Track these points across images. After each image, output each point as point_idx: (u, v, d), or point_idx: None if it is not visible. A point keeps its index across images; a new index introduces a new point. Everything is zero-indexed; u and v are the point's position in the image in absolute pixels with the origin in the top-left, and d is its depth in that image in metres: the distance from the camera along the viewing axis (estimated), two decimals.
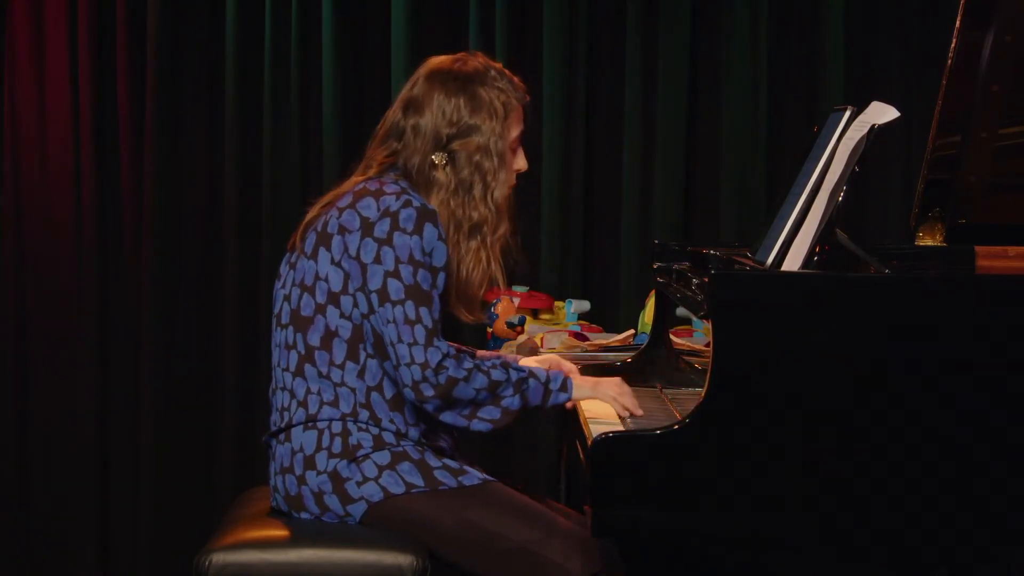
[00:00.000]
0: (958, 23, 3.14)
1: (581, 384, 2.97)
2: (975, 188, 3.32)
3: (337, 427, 2.85)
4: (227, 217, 4.62)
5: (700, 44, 4.55)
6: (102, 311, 4.68)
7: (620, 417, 2.95)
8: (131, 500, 4.69)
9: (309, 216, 2.94)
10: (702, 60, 4.55)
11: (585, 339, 3.86)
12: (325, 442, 2.85)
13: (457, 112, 2.91)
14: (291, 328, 2.90)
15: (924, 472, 2.58)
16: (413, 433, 2.88)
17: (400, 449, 2.86)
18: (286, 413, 2.90)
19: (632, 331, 3.90)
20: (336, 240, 2.86)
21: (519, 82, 2.99)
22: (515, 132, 2.97)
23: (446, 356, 2.81)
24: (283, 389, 2.91)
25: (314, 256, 2.88)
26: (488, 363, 2.87)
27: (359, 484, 2.84)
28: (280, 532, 2.83)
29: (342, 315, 2.85)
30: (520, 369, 2.90)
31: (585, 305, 4.18)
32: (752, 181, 4.50)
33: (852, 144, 2.80)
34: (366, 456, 2.84)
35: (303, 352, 2.88)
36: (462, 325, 3.13)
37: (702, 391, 2.61)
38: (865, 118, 2.82)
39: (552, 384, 2.91)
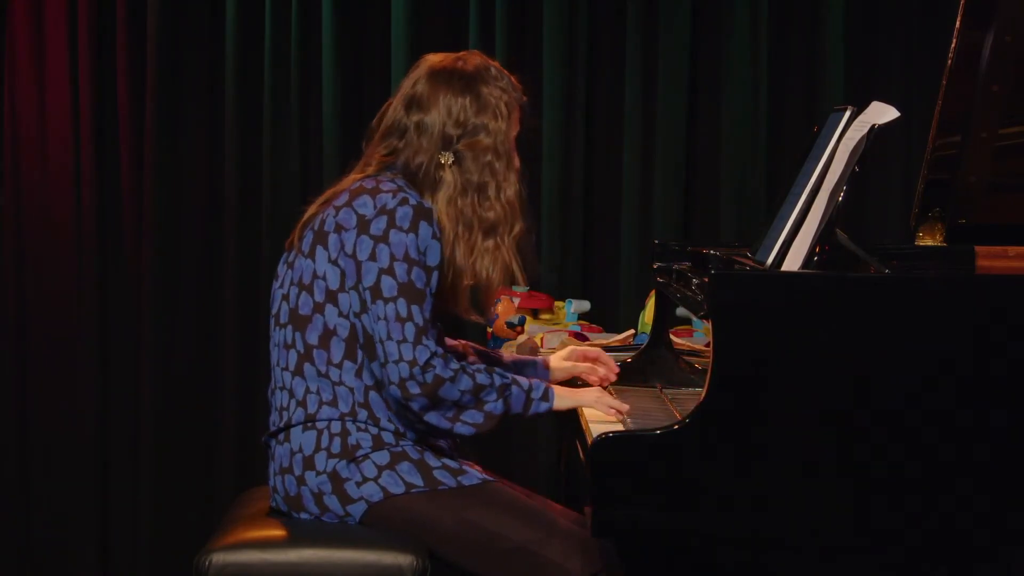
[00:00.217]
0: (958, 23, 3.14)
1: (562, 394, 2.97)
2: (975, 188, 3.32)
3: (336, 427, 2.85)
4: (227, 217, 4.62)
5: (700, 44, 4.55)
6: (102, 311, 4.68)
7: (619, 417, 2.96)
8: (131, 500, 4.69)
9: (307, 215, 2.94)
10: (702, 60, 4.55)
11: (585, 339, 3.86)
12: (324, 442, 2.85)
13: (464, 112, 2.91)
14: (290, 327, 2.90)
15: (924, 472, 2.58)
16: (411, 432, 2.88)
17: (399, 449, 2.86)
18: (285, 413, 2.90)
19: (632, 331, 3.90)
20: (333, 238, 2.86)
21: (517, 81, 3.00)
22: (514, 132, 2.97)
23: (434, 355, 2.81)
24: (282, 389, 2.91)
25: (311, 255, 2.88)
26: (474, 367, 2.87)
27: (358, 484, 2.84)
28: (280, 532, 2.83)
29: (340, 313, 2.85)
30: (504, 375, 2.90)
31: (585, 305, 4.18)
32: (752, 181, 4.50)
33: (852, 144, 2.80)
34: (365, 456, 2.84)
35: (302, 351, 2.88)
36: (463, 322, 3.14)
37: (702, 391, 2.61)
38: (865, 118, 2.82)
39: (534, 393, 2.91)
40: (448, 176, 2.91)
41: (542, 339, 3.81)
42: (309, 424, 2.87)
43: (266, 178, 4.61)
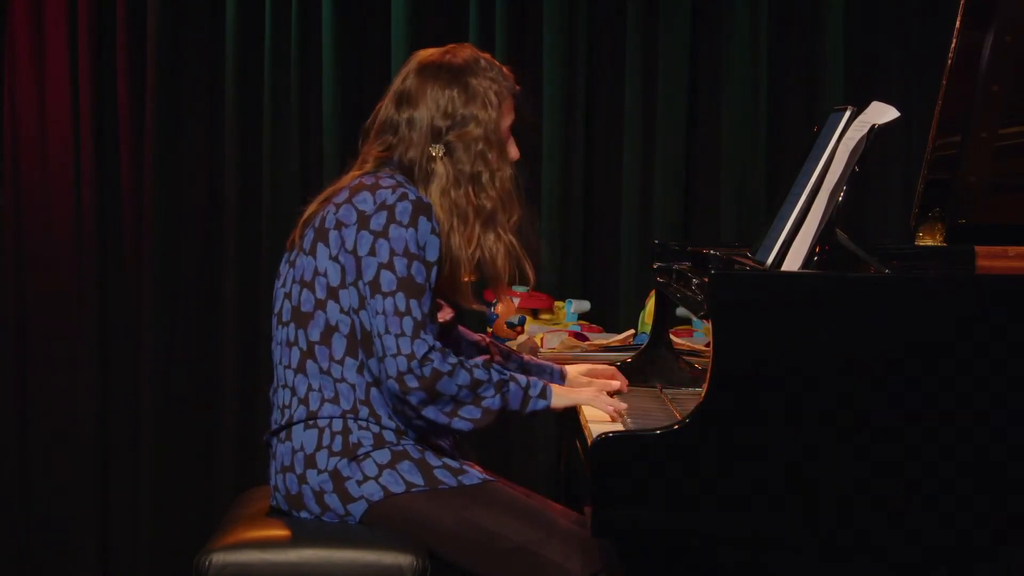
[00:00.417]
0: (958, 23, 3.15)
1: (560, 392, 2.97)
2: (975, 188, 3.33)
3: (338, 425, 2.86)
4: (227, 217, 4.62)
5: (700, 44, 4.55)
6: (102, 311, 4.67)
7: (616, 417, 2.96)
8: (131, 500, 4.69)
9: (307, 213, 2.95)
10: (702, 60, 4.55)
11: (585, 339, 3.86)
12: (326, 440, 2.85)
13: (452, 104, 2.92)
14: (292, 325, 2.90)
15: (924, 472, 2.58)
16: (412, 431, 2.88)
17: (400, 448, 2.86)
18: (287, 411, 2.90)
19: (632, 331, 3.90)
20: (333, 235, 2.86)
21: (508, 71, 3.01)
22: (507, 121, 2.98)
23: (432, 349, 2.81)
24: (284, 387, 2.91)
25: (312, 252, 2.89)
26: (472, 362, 2.87)
27: (359, 483, 2.84)
28: (280, 532, 2.83)
29: (341, 310, 2.86)
30: (503, 372, 2.90)
31: (585, 305, 4.18)
32: (752, 181, 4.50)
33: (852, 144, 2.80)
34: (366, 455, 2.84)
35: (304, 348, 2.88)
36: (463, 311, 3.15)
37: (702, 391, 2.61)
38: (865, 118, 2.82)
39: (531, 390, 2.91)
40: (440, 168, 2.92)
41: (542, 339, 3.81)
42: (311, 422, 2.87)
43: (266, 178, 4.61)
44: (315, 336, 2.87)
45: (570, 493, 3.65)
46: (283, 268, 2.97)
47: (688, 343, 3.65)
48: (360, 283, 2.84)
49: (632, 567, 2.64)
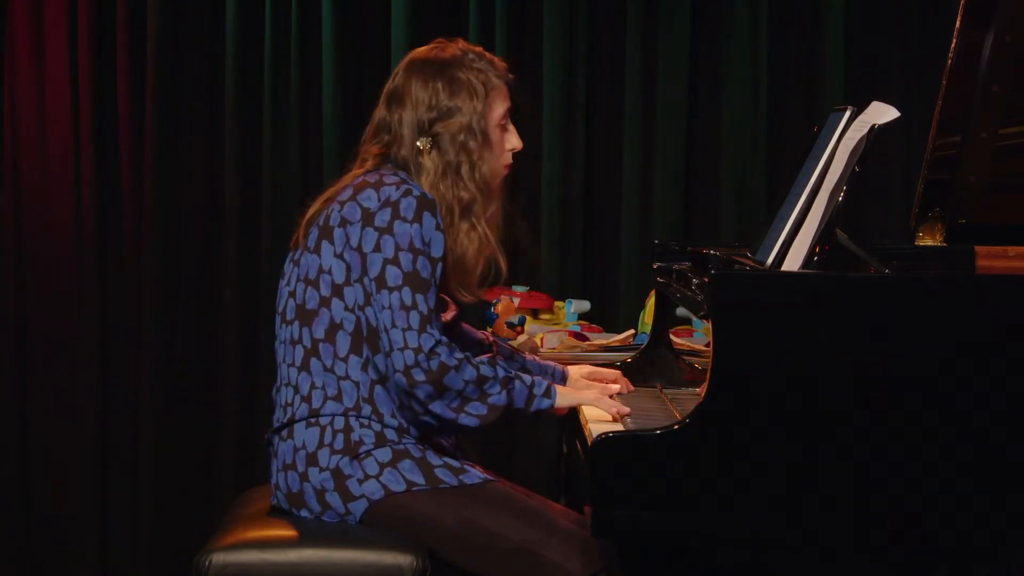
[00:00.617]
0: (958, 23, 3.15)
1: (564, 392, 2.98)
2: (975, 188, 3.33)
3: (339, 423, 2.86)
4: (227, 217, 4.62)
5: (700, 44, 4.55)
6: (102, 311, 4.67)
7: (617, 418, 2.96)
8: (131, 500, 4.69)
9: (310, 212, 2.95)
10: (702, 60, 4.55)
11: (585, 339, 3.86)
12: (327, 439, 2.85)
13: (436, 96, 2.94)
14: (296, 323, 2.90)
15: (924, 472, 2.58)
16: (415, 429, 2.89)
17: (402, 447, 2.86)
18: (289, 409, 2.90)
19: (632, 331, 3.90)
20: (338, 232, 2.87)
21: (500, 61, 3.02)
22: (499, 110, 2.99)
23: (439, 343, 2.81)
24: (287, 385, 2.92)
25: (317, 250, 2.89)
26: (478, 358, 2.88)
27: (360, 482, 2.84)
28: (280, 532, 2.83)
29: (346, 307, 2.86)
30: (508, 369, 2.91)
31: (585, 305, 4.18)
32: (752, 181, 4.50)
33: (852, 144, 2.80)
34: (368, 453, 2.84)
35: (308, 346, 2.88)
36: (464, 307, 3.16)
37: (702, 391, 2.61)
38: (865, 118, 2.82)
39: (536, 389, 2.92)
40: (428, 162, 2.94)
41: (542, 339, 3.81)
42: (312, 420, 2.87)
43: (266, 178, 4.61)
44: (319, 333, 2.87)
45: (570, 493, 3.65)
46: (287, 267, 2.97)
47: (688, 343, 3.65)
48: (365, 279, 2.84)
49: (632, 567, 2.64)
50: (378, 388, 2.87)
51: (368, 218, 2.84)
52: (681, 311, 3.58)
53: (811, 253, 2.76)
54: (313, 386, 2.88)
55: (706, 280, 2.66)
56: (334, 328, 2.87)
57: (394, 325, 2.81)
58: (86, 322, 4.66)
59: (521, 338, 3.86)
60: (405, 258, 2.82)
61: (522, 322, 3.96)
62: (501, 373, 2.88)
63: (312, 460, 2.85)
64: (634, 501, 2.59)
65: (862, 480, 2.58)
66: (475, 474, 2.87)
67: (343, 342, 2.87)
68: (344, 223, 2.86)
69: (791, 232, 2.87)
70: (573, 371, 3.26)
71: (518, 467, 4.47)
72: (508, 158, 3.03)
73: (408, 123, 2.95)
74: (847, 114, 2.91)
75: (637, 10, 4.51)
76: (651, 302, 3.71)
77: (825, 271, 2.75)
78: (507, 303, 3.98)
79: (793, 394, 2.57)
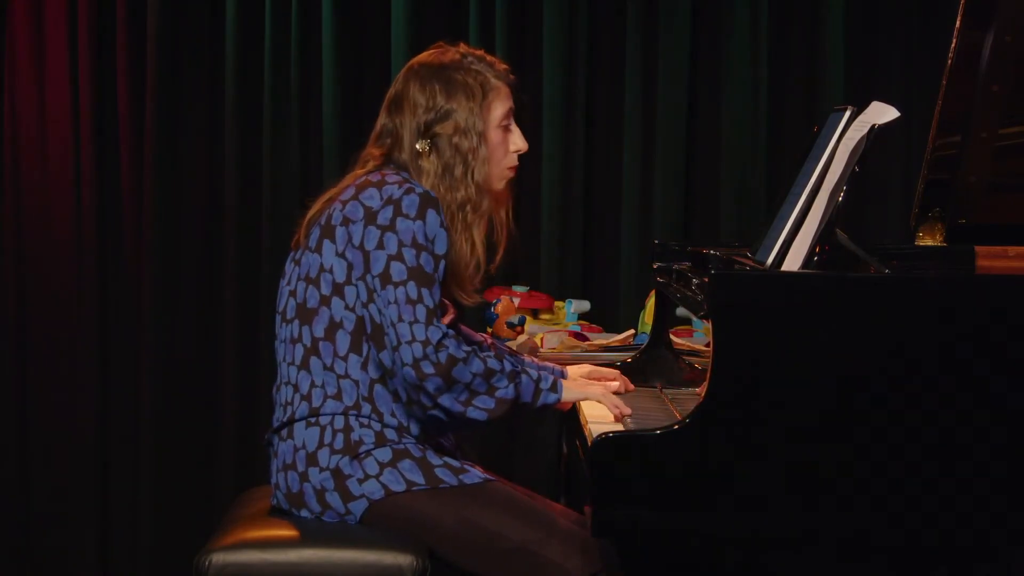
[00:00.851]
0: (958, 23, 3.15)
1: (570, 387, 2.98)
2: (975, 188, 3.32)
3: (339, 422, 2.86)
4: (227, 217, 4.62)
5: (700, 44, 4.55)
6: (102, 311, 4.68)
7: (619, 417, 2.96)
8: (131, 500, 4.69)
9: (311, 212, 2.96)
10: (702, 60, 4.55)
11: (585, 339, 3.86)
12: (327, 438, 2.85)
13: (433, 98, 2.95)
14: (296, 322, 2.90)
15: (924, 472, 2.58)
16: (415, 428, 2.89)
17: (402, 446, 2.86)
18: (289, 408, 2.90)
19: (632, 331, 3.90)
20: (340, 231, 2.87)
21: (500, 63, 3.02)
22: (499, 111, 2.99)
23: (446, 335, 2.81)
24: (287, 384, 2.92)
25: (318, 249, 2.89)
26: (484, 352, 2.88)
27: (360, 481, 2.84)
28: (280, 532, 2.83)
29: (346, 306, 2.86)
30: (514, 363, 2.91)
31: (585, 305, 4.18)
32: (752, 181, 4.50)
33: (852, 144, 2.80)
34: (368, 453, 2.84)
35: (308, 345, 2.88)
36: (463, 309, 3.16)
37: (702, 391, 2.61)
38: (865, 118, 2.82)
39: (542, 383, 2.92)
40: (427, 164, 2.95)
41: (542, 339, 3.81)
42: (312, 420, 2.87)
43: (266, 178, 4.61)
44: (319, 332, 2.88)
45: (570, 493, 3.65)
46: (288, 267, 2.98)
47: (688, 343, 3.65)
48: (368, 277, 2.84)
49: (632, 567, 2.63)
50: (378, 387, 2.87)
51: (371, 216, 2.84)
52: (681, 311, 3.58)
53: (811, 253, 2.76)
54: (313, 384, 2.88)
55: (706, 280, 2.66)
56: (334, 327, 2.87)
57: (401, 319, 2.81)
58: (86, 322, 4.66)
59: (521, 338, 3.86)
60: (409, 253, 2.82)
61: (522, 322, 3.96)
62: (508, 367, 2.88)
63: (312, 460, 2.86)
64: (634, 501, 2.59)
65: (862, 480, 2.58)
66: (475, 474, 2.88)
67: (343, 341, 2.87)
68: (346, 222, 2.87)
69: (791, 232, 2.87)
70: (573, 371, 3.26)
71: (518, 467, 4.47)
72: (513, 160, 3.03)
73: (408, 126, 2.95)
74: (847, 114, 2.91)
75: (637, 10, 4.51)
76: (651, 302, 3.71)
77: (825, 271, 2.75)
78: (507, 303, 3.98)
79: (793, 394, 2.57)
